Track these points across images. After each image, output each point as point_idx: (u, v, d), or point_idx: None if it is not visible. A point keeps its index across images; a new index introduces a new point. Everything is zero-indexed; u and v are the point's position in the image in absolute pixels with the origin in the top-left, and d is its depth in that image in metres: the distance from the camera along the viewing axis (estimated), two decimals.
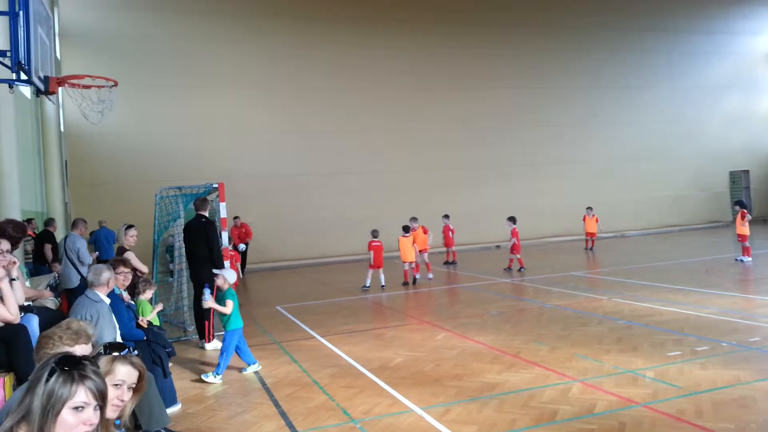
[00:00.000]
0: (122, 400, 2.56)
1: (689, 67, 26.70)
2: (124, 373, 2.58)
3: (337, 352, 7.92)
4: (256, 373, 7.16)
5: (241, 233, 17.73)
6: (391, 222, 22.14)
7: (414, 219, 14.90)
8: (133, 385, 2.62)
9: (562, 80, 24.53)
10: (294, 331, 9.64)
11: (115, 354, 2.63)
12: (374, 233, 13.63)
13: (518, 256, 14.96)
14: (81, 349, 3.03)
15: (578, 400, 5.48)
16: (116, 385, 2.53)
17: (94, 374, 2.11)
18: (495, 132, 23.60)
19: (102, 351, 2.64)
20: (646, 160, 25.67)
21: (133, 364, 2.64)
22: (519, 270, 14.85)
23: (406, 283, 13.77)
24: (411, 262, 13.78)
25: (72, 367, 2.07)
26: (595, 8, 25.24)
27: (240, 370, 7.16)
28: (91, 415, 2.08)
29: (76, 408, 2.04)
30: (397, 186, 22.34)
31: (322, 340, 8.74)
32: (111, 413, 2.49)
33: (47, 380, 2.04)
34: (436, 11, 23.04)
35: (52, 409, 2.01)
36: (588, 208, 19.61)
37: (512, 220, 15.31)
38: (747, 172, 27.84)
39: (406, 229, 14.07)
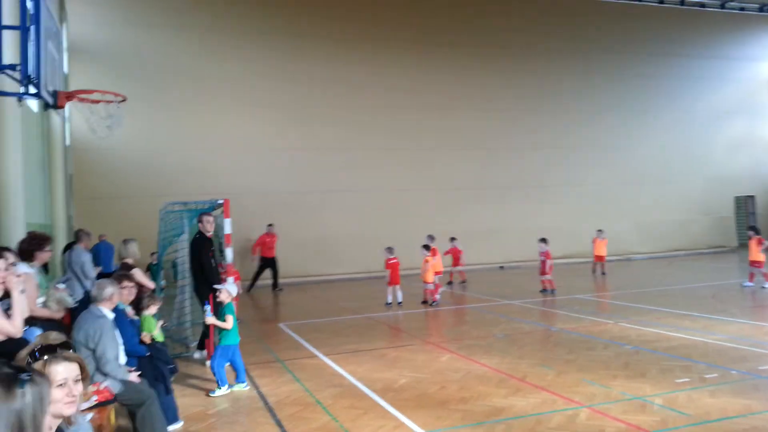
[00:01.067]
0: (74, 395, 2.52)
1: (692, 92, 26.78)
2: (62, 372, 2.53)
3: (341, 371, 7.83)
4: (258, 392, 7.07)
5: (269, 243, 18.36)
6: (392, 240, 22.12)
7: (431, 237, 14.75)
8: (79, 377, 2.57)
9: (565, 103, 24.60)
10: (297, 349, 9.55)
11: (45, 357, 2.58)
12: (390, 250, 13.58)
13: (549, 277, 14.72)
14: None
15: (586, 427, 5.38)
16: (60, 385, 2.49)
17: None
18: (498, 154, 23.62)
19: (31, 359, 2.59)
20: (650, 184, 25.64)
21: (66, 358, 2.58)
22: (551, 292, 14.59)
23: (425, 302, 13.69)
24: (431, 282, 13.68)
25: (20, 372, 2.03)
26: (599, 33, 25.42)
27: (218, 388, 7.02)
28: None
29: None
30: (399, 205, 22.32)
31: (325, 359, 8.64)
32: (69, 410, 2.50)
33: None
34: (442, 32, 23.22)
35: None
36: (599, 230, 19.32)
37: (544, 241, 15.03)
38: (752, 197, 27.78)
39: (427, 247, 13.99)
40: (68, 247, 10.30)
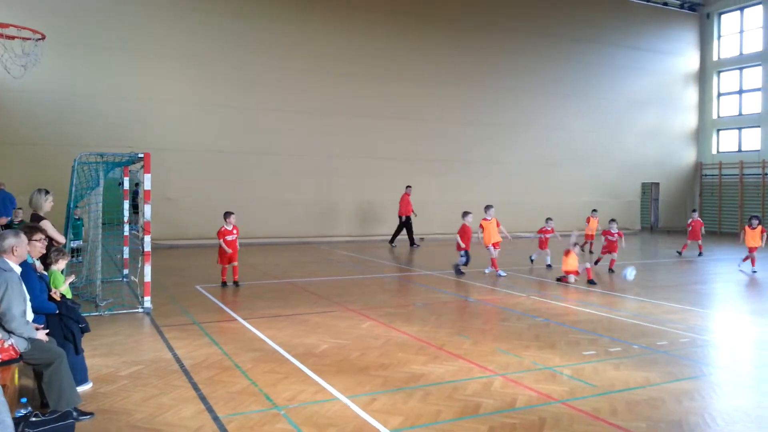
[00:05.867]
0: None
1: (611, 79, 27.90)
2: None
3: (261, 336, 7.75)
4: (173, 354, 6.89)
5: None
6: (316, 206, 22.02)
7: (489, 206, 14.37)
8: None
9: (490, 82, 25.01)
10: (215, 312, 9.36)
11: None
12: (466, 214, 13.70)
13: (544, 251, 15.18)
14: None
15: (500, 394, 5.61)
16: None
17: None
18: (424, 127, 23.79)
19: None
20: (566, 165, 26.67)
21: None
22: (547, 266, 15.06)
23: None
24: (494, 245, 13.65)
25: None
26: (528, 14, 25.86)
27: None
28: None
29: None
30: (326, 170, 22.19)
31: (245, 323, 8.52)
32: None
33: None
34: (378, 1, 22.96)
35: None
36: (594, 210, 19.52)
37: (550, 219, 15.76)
38: (657, 184, 29.54)
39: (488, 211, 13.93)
40: None
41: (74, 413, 4.76)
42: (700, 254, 18.01)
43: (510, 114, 25.51)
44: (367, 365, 6.49)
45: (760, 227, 14.99)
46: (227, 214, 11.64)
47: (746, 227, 15.23)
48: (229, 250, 11.42)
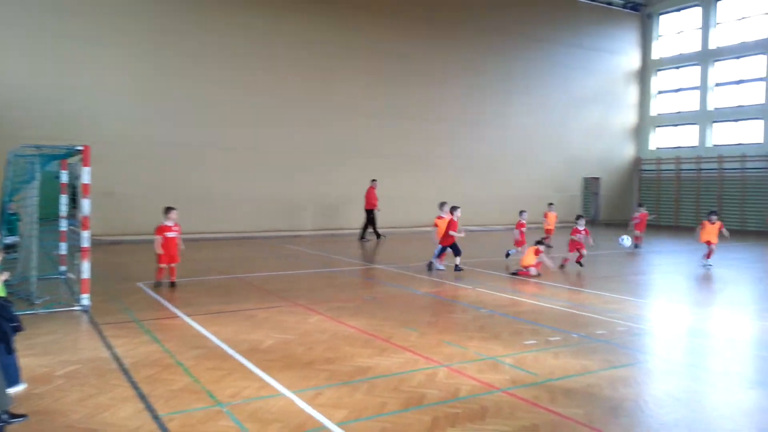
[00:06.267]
0: None
1: (559, 77, 28.61)
2: None
3: (205, 333, 7.61)
4: (112, 353, 6.69)
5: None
6: (273, 202, 21.73)
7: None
8: None
9: (440, 76, 25.25)
10: (157, 309, 9.14)
11: None
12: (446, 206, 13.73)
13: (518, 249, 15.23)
14: None
15: (444, 385, 5.69)
16: None
17: None
18: (377, 121, 23.84)
19: None
20: (512, 161, 27.23)
21: None
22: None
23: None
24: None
25: None
26: (478, 11, 26.20)
27: None
28: None
29: None
30: (285, 166, 22.03)
31: (188, 320, 8.36)
32: None
33: None
34: None
35: None
36: (550, 203, 19.37)
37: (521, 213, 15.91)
38: (598, 179, 30.48)
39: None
40: None
41: (4, 416, 4.57)
42: (637, 246, 18.52)
43: (459, 110, 25.80)
44: (313, 360, 6.47)
45: (719, 223, 14.82)
46: (168, 210, 11.05)
47: (705, 222, 14.92)
48: (161, 251, 10.76)
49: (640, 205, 20.76)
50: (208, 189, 20.58)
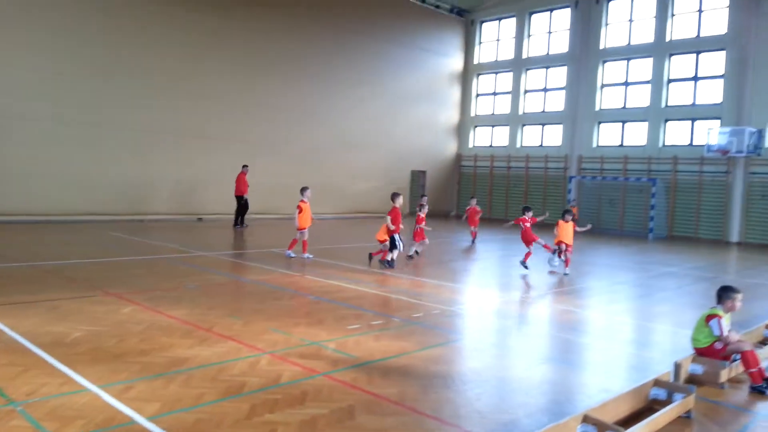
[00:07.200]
0: None
1: (389, 73, 29.61)
2: None
3: None
4: None
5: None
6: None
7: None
8: None
9: (276, 64, 24.93)
10: None
11: None
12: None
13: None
14: None
15: (266, 372, 5.68)
16: None
17: None
18: (207, 104, 22.88)
19: None
20: (344, 151, 27.73)
21: None
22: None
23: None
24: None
25: None
26: (313, 2, 26.22)
27: None
28: None
29: None
30: (135, 147, 20.43)
31: None
32: None
33: None
34: None
35: None
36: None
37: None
38: (424, 172, 32.21)
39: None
40: None
41: None
42: (473, 241, 19.15)
43: (291, 100, 25.60)
44: (125, 352, 6.08)
45: (572, 222, 13.72)
46: None
47: (560, 221, 13.66)
48: None
49: (472, 198, 21.05)
50: (38, 166, 18.44)
